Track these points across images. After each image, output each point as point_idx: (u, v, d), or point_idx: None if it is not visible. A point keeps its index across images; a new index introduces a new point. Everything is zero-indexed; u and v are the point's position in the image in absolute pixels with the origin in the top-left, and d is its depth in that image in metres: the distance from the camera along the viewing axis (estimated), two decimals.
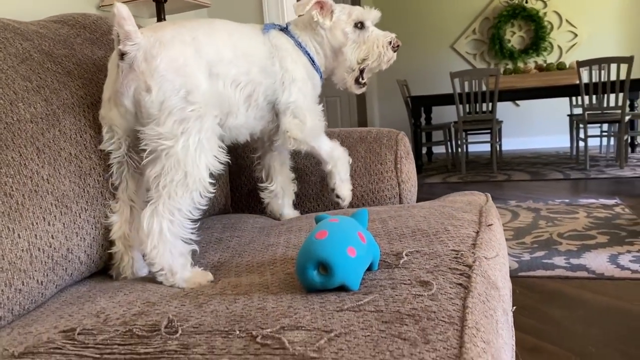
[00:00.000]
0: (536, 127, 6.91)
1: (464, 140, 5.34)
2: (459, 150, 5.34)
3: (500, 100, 5.08)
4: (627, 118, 4.82)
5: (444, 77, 6.00)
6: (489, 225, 1.01)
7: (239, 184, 1.54)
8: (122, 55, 0.98)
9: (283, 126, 1.25)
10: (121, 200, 1.03)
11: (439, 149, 6.85)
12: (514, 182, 4.60)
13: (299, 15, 1.29)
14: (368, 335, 0.58)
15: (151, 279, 0.98)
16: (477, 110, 5.01)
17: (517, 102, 6.82)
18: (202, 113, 1.00)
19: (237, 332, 0.63)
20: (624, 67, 4.54)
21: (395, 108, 7.18)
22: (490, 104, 4.96)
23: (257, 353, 0.57)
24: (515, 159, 6.03)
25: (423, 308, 0.64)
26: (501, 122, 5.90)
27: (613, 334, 1.73)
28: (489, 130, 5.13)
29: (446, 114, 6.57)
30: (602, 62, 4.65)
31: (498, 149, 5.78)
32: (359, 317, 0.63)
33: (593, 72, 4.83)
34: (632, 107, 5.60)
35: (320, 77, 1.33)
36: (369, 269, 0.80)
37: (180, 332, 0.65)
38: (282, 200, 1.39)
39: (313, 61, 1.29)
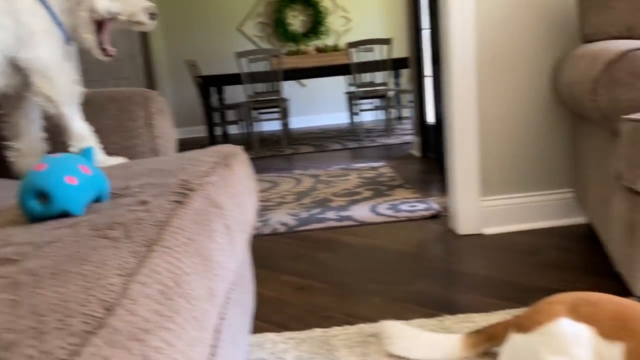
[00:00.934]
0: (321, 106, 7.46)
1: (255, 119, 5.56)
2: (251, 128, 5.55)
3: (285, 79, 5.39)
4: (391, 93, 5.49)
5: (233, 58, 6.14)
6: (227, 164, 1.12)
7: None
8: None
9: (34, 85, 1.23)
10: None
11: (236, 129, 7.00)
12: (301, 154, 4.96)
13: None
14: (76, 241, 0.65)
15: None
16: (265, 89, 5.26)
17: (303, 82, 7.28)
18: None
19: None
20: (386, 48, 5.15)
21: (188, 88, 7.14)
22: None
23: None
24: (303, 135, 6.45)
25: (134, 218, 0.72)
26: (287, 100, 6.26)
27: (367, 267, 2.02)
28: (278, 109, 5.42)
29: (240, 94, 6.73)
30: (367, 44, 5.21)
31: (287, 126, 6.13)
32: (73, 230, 0.69)
33: (362, 53, 5.38)
34: (397, 84, 6.38)
35: (65, 34, 1.28)
36: (98, 200, 0.86)
37: None
38: (29, 159, 1.36)
39: (54, 16, 1.25)
